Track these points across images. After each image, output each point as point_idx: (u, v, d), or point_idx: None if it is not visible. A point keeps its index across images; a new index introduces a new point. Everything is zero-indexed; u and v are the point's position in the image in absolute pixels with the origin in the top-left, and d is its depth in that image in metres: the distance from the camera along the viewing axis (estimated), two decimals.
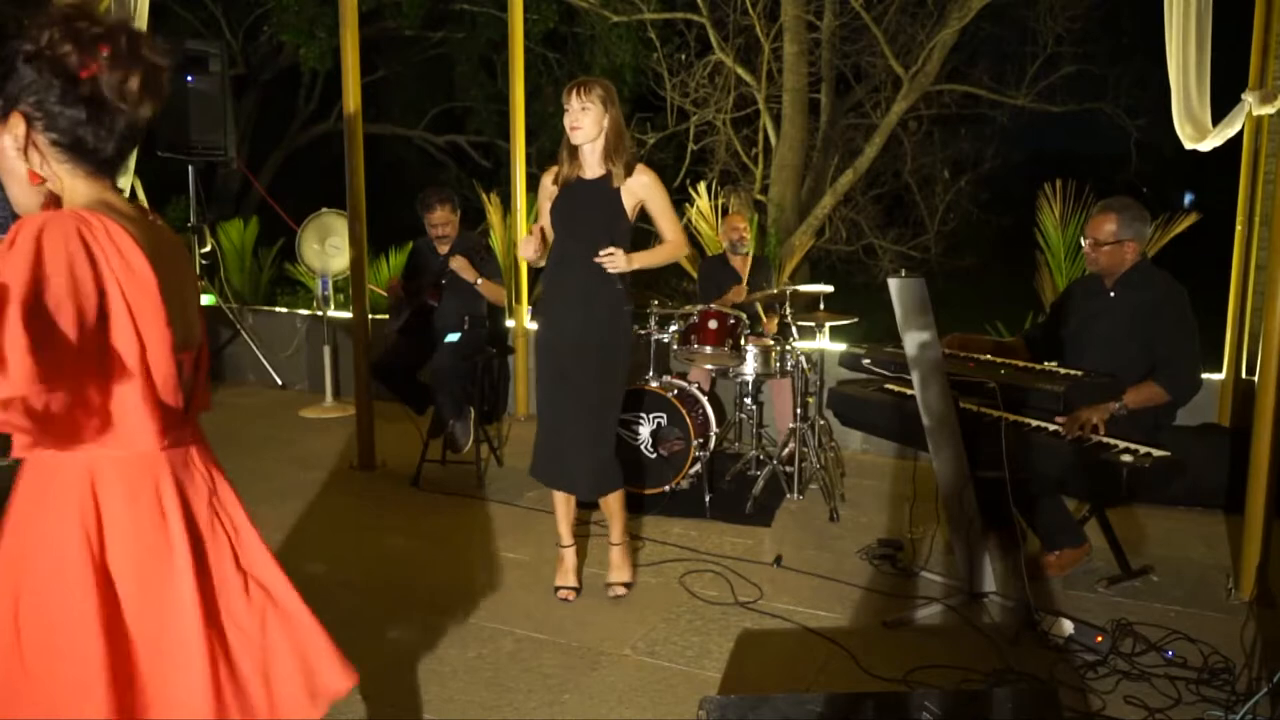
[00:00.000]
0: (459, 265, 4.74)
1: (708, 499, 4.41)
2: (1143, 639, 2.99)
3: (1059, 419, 3.25)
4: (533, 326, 6.58)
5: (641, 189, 3.29)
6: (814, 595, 3.45)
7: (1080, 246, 5.80)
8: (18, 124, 1.35)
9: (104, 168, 1.41)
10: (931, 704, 1.68)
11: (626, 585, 3.50)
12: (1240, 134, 4.27)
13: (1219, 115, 3.97)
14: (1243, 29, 4.45)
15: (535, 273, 7.04)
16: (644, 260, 3.30)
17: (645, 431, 4.53)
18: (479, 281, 4.80)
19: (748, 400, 5.03)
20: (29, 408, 1.16)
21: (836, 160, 10.55)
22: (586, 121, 3.19)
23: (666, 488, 4.49)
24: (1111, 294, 3.50)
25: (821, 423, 4.83)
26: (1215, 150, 4.11)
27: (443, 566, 3.77)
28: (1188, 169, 12.32)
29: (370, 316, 5.24)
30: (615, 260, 3.21)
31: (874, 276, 10.69)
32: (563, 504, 3.52)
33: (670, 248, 3.38)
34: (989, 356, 3.64)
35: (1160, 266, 3.58)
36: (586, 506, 4.43)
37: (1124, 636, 3.01)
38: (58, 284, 1.18)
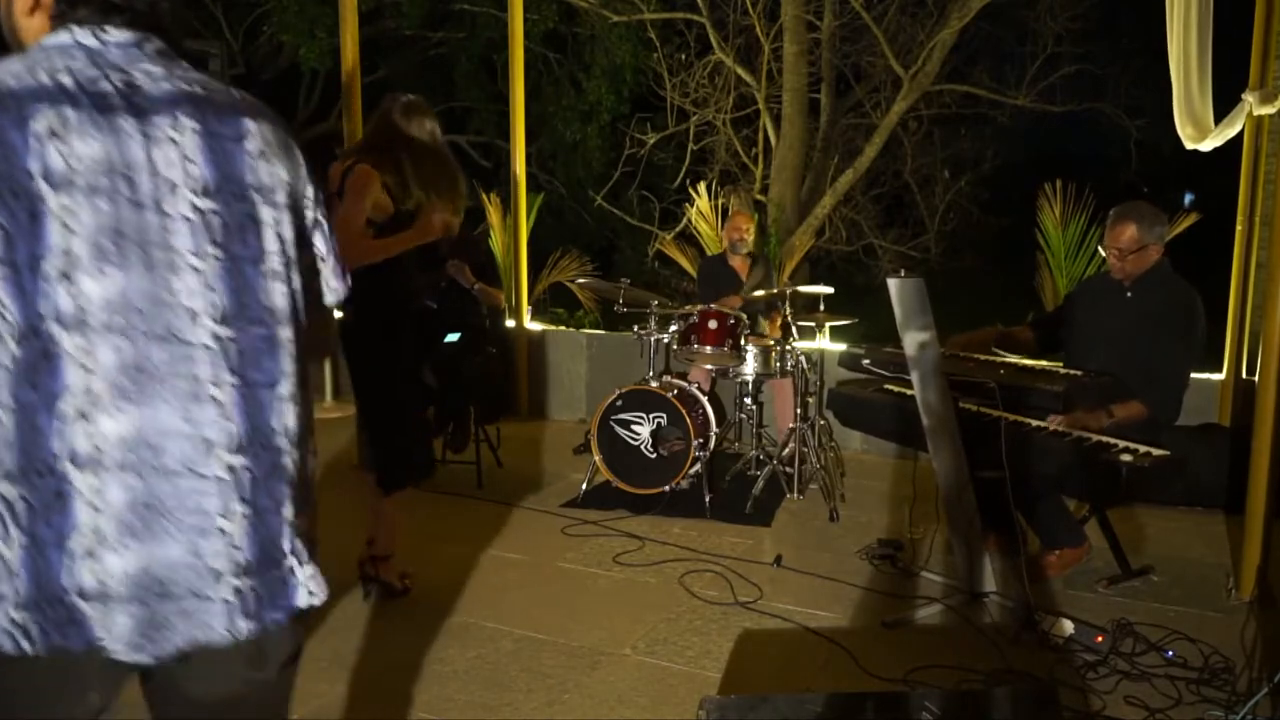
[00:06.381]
0: (454, 269, 4.75)
1: (708, 499, 4.41)
2: (1143, 639, 2.99)
3: (1053, 417, 3.27)
4: (533, 326, 6.60)
5: None
6: (814, 595, 3.45)
7: (1080, 247, 5.82)
8: None
9: None
10: (931, 704, 1.68)
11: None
12: (1240, 134, 4.27)
13: (1219, 116, 3.98)
14: (1243, 29, 4.45)
15: (535, 273, 7.05)
16: None
17: (645, 431, 4.53)
18: (476, 286, 4.82)
19: (748, 400, 5.03)
20: None
21: (836, 160, 10.55)
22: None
23: (666, 488, 4.49)
24: (1129, 294, 3.51)
25: (821, 423, 4.83)
26: (1215, 150, 4.12)
27: (442, 566, 3.77)
28: (1188, 169, 12.32)
29: None
30: None
31: (874, 276, 10.68)
32: None
33: None
34: (989, 356, 3.65)
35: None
36: (584, 506, 4.44)
37: (1124, 636, 3.00)
38: None
